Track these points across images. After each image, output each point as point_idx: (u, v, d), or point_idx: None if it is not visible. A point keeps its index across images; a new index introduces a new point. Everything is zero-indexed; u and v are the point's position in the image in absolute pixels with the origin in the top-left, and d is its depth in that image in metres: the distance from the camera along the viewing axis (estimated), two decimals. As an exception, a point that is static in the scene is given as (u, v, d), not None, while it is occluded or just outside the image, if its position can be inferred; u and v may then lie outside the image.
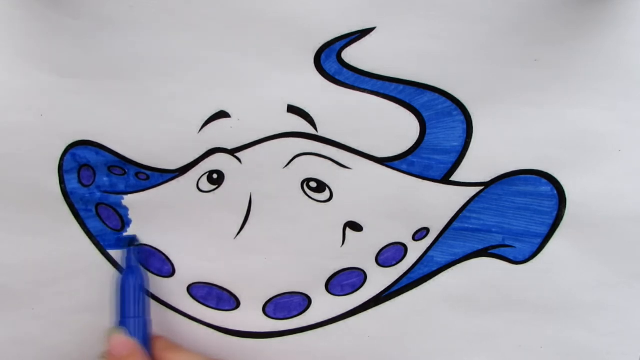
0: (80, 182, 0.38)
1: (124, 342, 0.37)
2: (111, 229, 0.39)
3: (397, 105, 0.35)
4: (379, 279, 0.39)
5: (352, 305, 0.40)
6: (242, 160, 0.37)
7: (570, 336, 0.39)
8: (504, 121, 0.35)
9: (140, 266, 0.39)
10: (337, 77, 0.35)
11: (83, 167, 0.37)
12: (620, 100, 0.35)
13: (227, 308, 0.40)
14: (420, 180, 0.37)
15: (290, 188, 0.37)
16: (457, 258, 0.39)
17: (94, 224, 0.39)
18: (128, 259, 0.39)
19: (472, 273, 0.39)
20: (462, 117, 0.36)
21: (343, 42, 0.34)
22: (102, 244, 0.39)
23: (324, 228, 0.38)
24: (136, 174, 0.38)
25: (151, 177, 0.38)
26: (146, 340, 0.38)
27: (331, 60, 0.34)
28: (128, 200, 0.38)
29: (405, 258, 0.39)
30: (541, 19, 0.33)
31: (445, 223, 0.38)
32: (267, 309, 0.40)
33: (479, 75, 0.35)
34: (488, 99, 0.35)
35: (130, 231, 0.39)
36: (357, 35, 0.34)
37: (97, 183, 0.38)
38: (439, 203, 0.37)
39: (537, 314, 0.39)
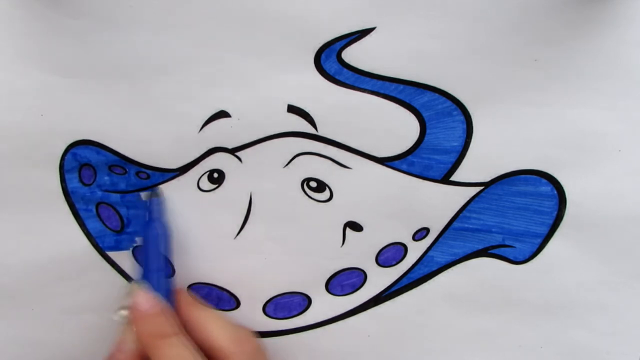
0: (81, 181, 0.38)
1: (149, 298, 0.36)
2: (111, 229, 0.39)
3: (397, 105, 0.35)
4: (379, 279, 0.39)
5: (352, 305, 0.40)
6: (242, 159, 0.37)
7: (570, 336, 0.39)
8: (504, 121, 0.35)
9: (163, 219, 0.38)
10: (337, 77, 0.35)
11: (84, 166, 0.37)
12: (620, 100, 0.35)
13: (227, 308, 0.40)
14: (420, 180, 0.37)
15: (290, 188, 0.37)
16: (457, 258, 0.39)
17: (94, 225, 0.39)
18: (151, 211, 0.38)
19: (472, 273, 0.39)
20: (462, 117, 0.36)
21: (343, 42, 0.34)
22: (100, 245, 0.39)
23: (324, 228, 0.38)
24: (137, 173, 0.38)
25: (152, 176, 0.38)
26: (169, 294, 0.37)
27: (331, 60, 0.34)
28: (129, 198, 0.38)
29: (405, 258, 0.39)
30: (541, 19, 0.33)
31: (445, 223, 0.38)
32: (267, 309, 0.40)
33: (479, 75, 0.35)
34: (488, 99, 0.35)
35: (129, 231, 0.39)
36: (357, 35, 0.34)
37: (98, 182, 0.38)
38: (439, 203, 0.37)
39: (537, 314, 0.39)
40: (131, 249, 0.39)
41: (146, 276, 0.37)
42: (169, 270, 0.38)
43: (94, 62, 0.35)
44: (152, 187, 0.38)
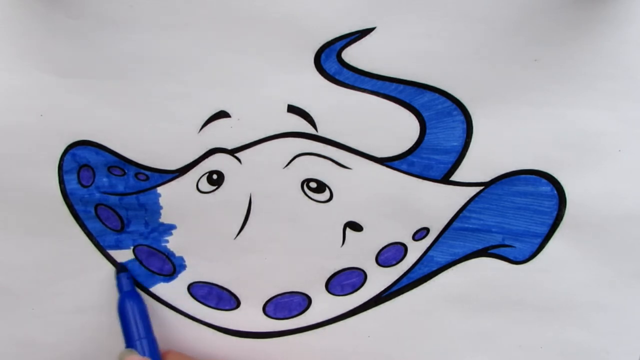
0: (79, 182, 0.38)
1: None
2: (111, 229, 0.39)
3: (397, 105, 0.35)
4: (379, 278, 0.39)
5: (352, 305, 0.40)
6: (242, 160, 0.37)
7: (570, 336, 0.39)
8: (504, 121, 0.36)
9: (135, 289, 0.39)
10: (337, 77, 0.35)
11: (83, 167, 0.37)
12: (620, 100, 0.35)
13: (227, 308, 0.40)
14: (420, 180, 0.37)
15: (290, 188, 0.37)
16: (457, 258, 0.39)
17: (94, 225, 0.39)
18: (120, 285, 0.39)
19: (472, 273, 0.39)
20: (462, 117, 0.36)
21: (343, 42, 0.34)
22: (101, 244, 0.39)
23: (324, 228, 0.38)
24: (136, 175, 0.38)
25: (151, 177, 0.38)
26: (156, 357, 0.38)
27: (331, 60, 0.34)
28: (127, 201, 0.38)
29: (405, 258, 0.39)
30: (541, 19, 0.33)
31: (445, 223, 0.38)
32: (267, 309, 0.40)
33: (479, 75, 0.35)
34: (488, 99, 0.35)
35: (129, 230, 0.39)
36: (357, 35, 0.34)
37: (97, 184, 0.38)
38: (439, 203, 0.37)
39: (537, 314, 0.39)
40: (132, 247, 0.39)
41: (131, 345, 0.38)
42: (152, 336, 0.38)
43: (94, 62, 0.35)
44: (150, 189, 0.38)
